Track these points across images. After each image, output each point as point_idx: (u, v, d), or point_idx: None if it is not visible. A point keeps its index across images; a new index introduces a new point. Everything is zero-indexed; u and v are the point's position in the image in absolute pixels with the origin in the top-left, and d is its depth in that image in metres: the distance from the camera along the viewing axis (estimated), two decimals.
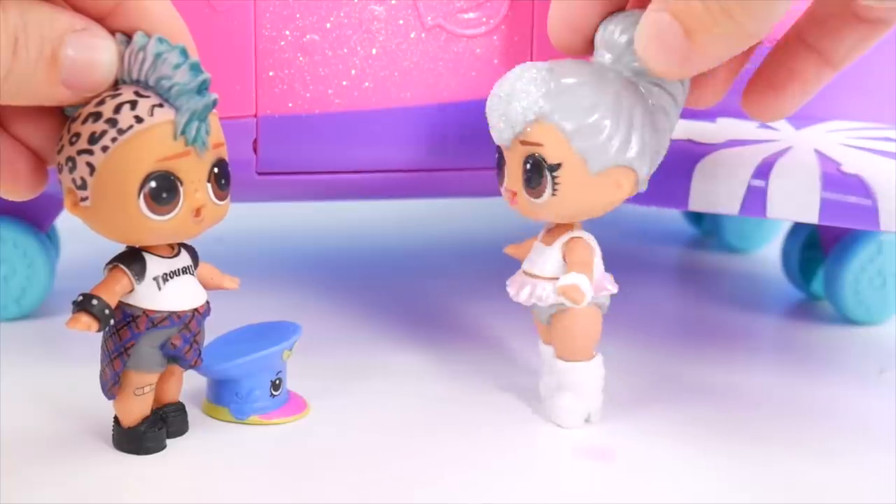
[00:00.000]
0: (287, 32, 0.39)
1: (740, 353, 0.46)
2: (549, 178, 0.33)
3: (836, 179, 0.37)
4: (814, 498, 0.33)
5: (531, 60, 0.41)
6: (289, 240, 0.62)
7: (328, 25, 0.39)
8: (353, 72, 0.39)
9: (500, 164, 0.35)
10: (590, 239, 0.36)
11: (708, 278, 0.58)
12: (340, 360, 0.42)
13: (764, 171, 0.38)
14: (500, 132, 0.34)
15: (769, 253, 0.60)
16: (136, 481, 0.32)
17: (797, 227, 0.53)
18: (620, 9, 0.34)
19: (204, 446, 0.35)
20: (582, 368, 0.36)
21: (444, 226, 0.66)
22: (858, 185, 0.37)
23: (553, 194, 0.34)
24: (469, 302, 0.51)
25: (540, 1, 0.40)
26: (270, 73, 0.39)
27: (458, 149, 0.42)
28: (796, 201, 0.37)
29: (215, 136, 0.31)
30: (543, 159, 0.33)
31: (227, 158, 0.32)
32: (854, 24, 0.34)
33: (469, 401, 0.39)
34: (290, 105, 0.39)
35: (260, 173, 0.40)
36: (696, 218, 0.66)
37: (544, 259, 0.36)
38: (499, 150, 0.35)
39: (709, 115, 0.44)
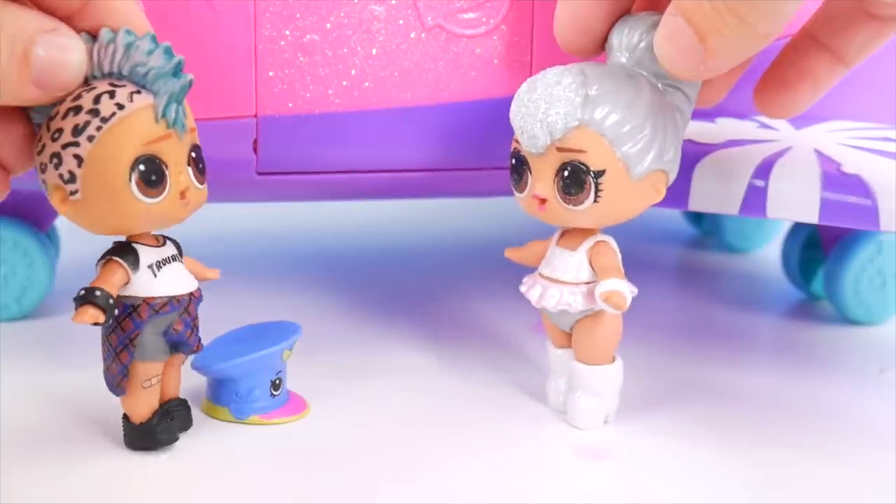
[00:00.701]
0: (287, 32, 0.39)
1: (740, 353, 0.46)
2: (592, 185, 0.33)
3: (836, 179, 0.37)
4: (814, 498, 0.33)
5: (531, 60, 0.41)
6: (289, 240, 0.62)
7: (328, 25, 0.39)
8: (354, 72, 0.39)
9: (520, 170, 0.34)
10: (612, 242, 0.36)
11: (708, 278, 0.58)
12: (342, 360, 0.42)
13: (764, 171, 0.38)
14: (535, 139, 0.33)
15: (769, 253, 0.60)
16: (138, 480, 0.32)
17: (797, 227, 0.53)
18: (627, 10, 0.34)
19: (204, 446, 0.34)
20: (604, 372, 0.36)
21: (445, 226, 0.66)
22: (858, 185, 0.37)
23: (595, 201, 0.33)
24: (469, 300, 0.51)
25: (540, 1, 0.40)
26: (270, 73, 0.39)
27: (459, 149, 0.42)
28: (796, 201, 0.37)
29: (189, 120, 0.32)
30: (586, 166, 0.33)
31: (199, 144, 0.32)
32: (865, 22, 0.34)
33: (472, 400, 0.39)
34: (290, 105, 0.39)
35: (260, 173, 0.40)
36: (696, 218, 0.66)
37: (568, 264, 0.36)
38: (517, 156, 0.35)
39: (708, 115, 0.44)
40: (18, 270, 0.45)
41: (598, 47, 0.35)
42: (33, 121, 0.31)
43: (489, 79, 0.41)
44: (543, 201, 0.34)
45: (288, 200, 0.47)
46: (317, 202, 0.53)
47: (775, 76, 0.36)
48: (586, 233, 0.36)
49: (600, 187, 0.33)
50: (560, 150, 0.33)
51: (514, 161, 0.35)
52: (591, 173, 0.33)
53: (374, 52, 0.40)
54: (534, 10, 0.40)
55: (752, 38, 0.29)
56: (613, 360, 0.37)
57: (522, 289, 0.37)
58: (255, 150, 0.40)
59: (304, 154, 0.40)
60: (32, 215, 0.46)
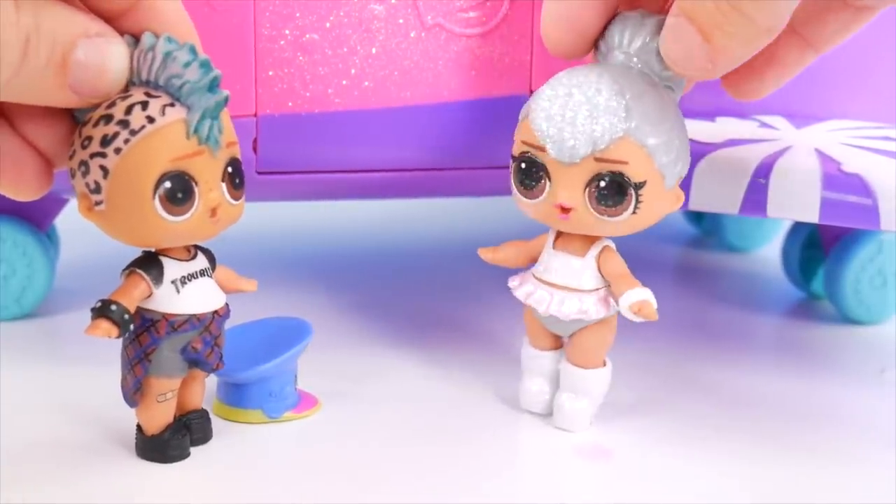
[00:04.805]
0: (287, 31, 0.39)
1: (740, 353, 0.46)
2: (633, 196, 0.32)
3: (836, 179, 0.37)
4: (814, 498, 0.33)
5: (531, 60, 0.41)
6: (288, 240, 0.62)
7: (328, 24, 0.39)
8: (353, 71, 0.39)
9: (535, 176, 0.33)
10: (613, 245, 0.35)
11: (708, 278, 0.58)
12: (343, 362, 0.42)
13: (764, 170, 0.38)
14: (574, 149, 0.32)
15: (769, 253, 0.60)
16: (144, 484, 0.32)
17: (797, 227, 0.53)
18: (616, 8, 0.34)
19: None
20: (597, 375, 0.36)
21: (444, 225, 0.66)
22: (859, 185, 0.37)
23: (634, 212, 0.33)
24: (468, 300, 0.51)
25: (540, 1, 0.40)
26: (270, 73, 0.39)
27: (459, 148, 0.42)
28: (796, 201, 0.37)
29: (228, 134, 0.30)
30: (628, 178, 0.32)
31: (240, 157, 0.31)
32: (839, 10, 0.34)
33: (472, 400, 0.39)
34: (290, 104, 0.39)
35: (260, 173, 0.40)
36: (696, 218, 0.66)
37: (578, 271, 0.35)
38: (531, 161, 0.33)
39: (708, 115, 0.44)
40: (18, 270, 0.45)
41: (591, 47, 0.34)
42: (75, 116, 0.30)
43: (489, 78, 0.41)
44: (568, 210, 0.33)
45: (288, 200, 0.47)
46: (317, 202, 0.53)
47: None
48: (591, 238, 0.35)
49: (640, 199, 0.32)
50: (599, 160, 0.32)
51: (524, 165, 0.33)
52: (633, 185, 0.32)
53: (373, 51, 0.40)
54: (534, 9, 0.40)
55: (755, 34, 0.29)
56: (604, 363, 0.37)
57: (512, 284, 0.36)
58: (255, 150, 0.40)
59: (304, 153, 0.40)
60: (32, 215, 0.46)
